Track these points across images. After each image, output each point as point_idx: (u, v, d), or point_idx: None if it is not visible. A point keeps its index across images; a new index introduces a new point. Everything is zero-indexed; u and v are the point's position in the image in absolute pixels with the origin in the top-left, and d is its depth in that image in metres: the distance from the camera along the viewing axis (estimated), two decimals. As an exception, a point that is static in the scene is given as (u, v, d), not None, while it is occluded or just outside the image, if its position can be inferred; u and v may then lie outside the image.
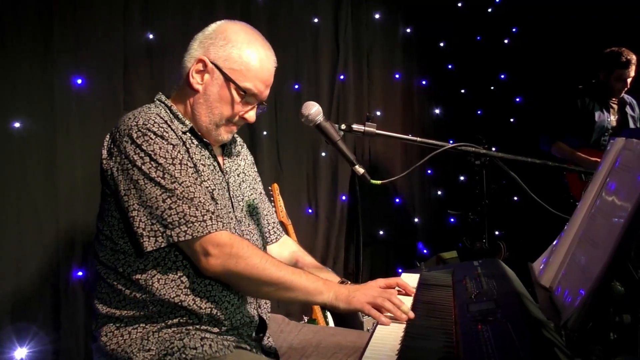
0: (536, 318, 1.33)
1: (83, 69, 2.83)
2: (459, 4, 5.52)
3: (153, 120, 1.61)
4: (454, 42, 5.47)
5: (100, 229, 1.67)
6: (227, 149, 1.88)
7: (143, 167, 1.54)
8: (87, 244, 2.83)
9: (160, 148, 1.57)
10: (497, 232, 4.86)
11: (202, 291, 1.62)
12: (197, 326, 1.61)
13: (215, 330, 1.63)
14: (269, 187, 3.35)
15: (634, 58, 4.09)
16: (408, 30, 5.13)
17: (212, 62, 1.71)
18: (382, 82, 4.88)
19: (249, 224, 1.85)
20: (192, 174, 1.59)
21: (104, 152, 1.62)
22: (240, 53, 1.71)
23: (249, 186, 1.94)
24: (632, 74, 4.13)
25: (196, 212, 1.53)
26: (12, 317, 2.55)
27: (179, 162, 1.58)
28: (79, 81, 2.82)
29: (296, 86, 4.06)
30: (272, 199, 3.31)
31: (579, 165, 4.04)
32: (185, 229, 1.52)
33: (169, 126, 1.64)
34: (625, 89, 4.22)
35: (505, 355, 1.12)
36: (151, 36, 3.15)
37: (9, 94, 2.57)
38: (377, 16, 4.83)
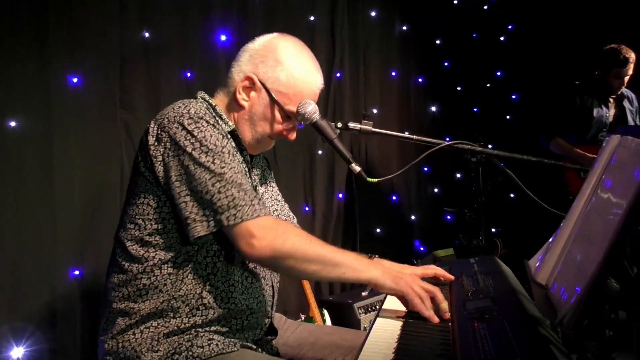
0: (532, 315, 1.34)
1: (79, 68, 2.82)
2: (455, 2, 5.53)
3: (204, 111, 1.63)
4: (450, 39, 5.47)
5: (132, 217, 1.64)
6: (254, 159, 1.89)
7: (193, 152, 1.54)
8: (84, 243, 2.82)
9: (211, 135, 1.57)
10: (493, 230, 4.88)
11: (225, 291, 1.63)
12: (207, 328, 1.61)
13: (225, 330, 1.64)
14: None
15: (632, 56, 4.07)
16: (404, 27, 5.13)
17: (260, 82, 1.73)
18: (378, 79, 4.88)
19: None
20: (237, 165, 1.60)
21: (150, 138, 1.59)
22: (289, 77, 1.73)
23: (271, 196, 1.96)
24: (630, 72, 4.12)
25: (245, 196, 1.54)
26: (9, 316, 2.54)
27: (227, 151, 1.58)
28: (75, 80, 2.81)
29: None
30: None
31: (577, 161, 4.05)
32: (235, 212, 1.52)
33: (217, 121, 1.66)
34: (623, 86, 4.21)
35: (502, 352, 1.12)
36: (147, 34, 3.13)
37: (5, 93, 2.56)
38: (373, 14, 4.83)
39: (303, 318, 3.51)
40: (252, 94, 1.74)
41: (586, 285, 1.11)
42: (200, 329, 1.60)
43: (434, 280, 1.84)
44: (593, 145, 4.15)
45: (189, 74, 3.31)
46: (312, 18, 4.23)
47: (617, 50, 4.09)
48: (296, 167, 4.13)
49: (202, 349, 1.57)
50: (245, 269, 1.70)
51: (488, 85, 5.78)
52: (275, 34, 1.81)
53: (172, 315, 1.60)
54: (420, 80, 5.30)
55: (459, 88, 5.62)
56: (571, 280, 1.23)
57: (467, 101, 5.64)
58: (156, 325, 1.59)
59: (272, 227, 1.55)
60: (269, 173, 2.02)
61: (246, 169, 1.76)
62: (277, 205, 1.98)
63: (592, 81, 4.28)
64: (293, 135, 1.83)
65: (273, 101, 1.73)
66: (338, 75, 4.42)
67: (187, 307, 1.60)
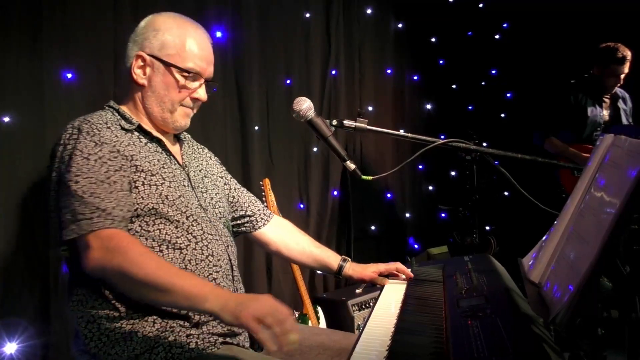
0: (525, 314, 1.34)
1: (73, 63, 2.80)
2: None
3: (89, 120, 1.65)
4: (445, 37, 5.47)
5: (59, 227, 1.62)
6: (183, 145, 1.89)
7: (61, 165, 1.58)
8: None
9: (85, 146, 1.58)
10: (487, 227, 4.88)
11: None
12: (181, 323, 1.58)
13: (201, 330, 1.61)
14: (260, 182, 3.35)
15: (629, 54, 4.10)
16: (399, 25, 5.13)
17: (149, 55, 1.74)
18: (373, 77, 4.88)
19: (214, 212, 1.83)
20: (105, 172, 1.56)
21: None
22: (173, 37, 1.76)
23: (212, 182, 1.93)
24: (626, 70, 4.14)
25: (85, 209, 1.50)
26: (2, 312, 2.53)
27: (95, 158, 1.56)
28: (69, 75, 2.79)
29: (287, 81, 4.05)
30: (263, 193, 3.31)
31: (572, 160, 4.07)
32: (74, 227, 1.49)
33: (109, 127, 1.66)
34: (618, 84, 4.23)
35: (494, 350, 1.13)
36: (142, 30, 3.12)
37: (-2, 88, 2.55)
38: (368, 11, 4.83)
39: (297, 315, 3.51)
40: (148, 69, 1.75)
41: (579, 283, 1.11)
42: (175, 325, 1.56)
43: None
44: (587, 145, 4.16)
45: (183, 70, 3.29)
46: (307, 15, 4.22)
47: (614, 48, 4.10)
48: (291, 164, 4.13)
49: (181, 349, 1.53)
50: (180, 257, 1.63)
51: (483, 83, 5.79)
52: (151, 15, 1.85)
53: (140, 315, 1.55)
54: (415, 78, 5.30)
55: (453, 86, 5.63)
56: (564, 279, 1.23)
57: (461, 99, 5.65)
58: (126, 321, 1.56)
59: (106, 240, 1.46)
60: (209, 158, 2.02)
61: (169, 158, 1.76)
62: (218, 189, 1.94)
63: (587, 80, 4.30)
64: (203, 95, 1.80)
65: (168, 65, 1.74)
66: (333, 72, 4.42)
67: (131, 309, 1.55)
